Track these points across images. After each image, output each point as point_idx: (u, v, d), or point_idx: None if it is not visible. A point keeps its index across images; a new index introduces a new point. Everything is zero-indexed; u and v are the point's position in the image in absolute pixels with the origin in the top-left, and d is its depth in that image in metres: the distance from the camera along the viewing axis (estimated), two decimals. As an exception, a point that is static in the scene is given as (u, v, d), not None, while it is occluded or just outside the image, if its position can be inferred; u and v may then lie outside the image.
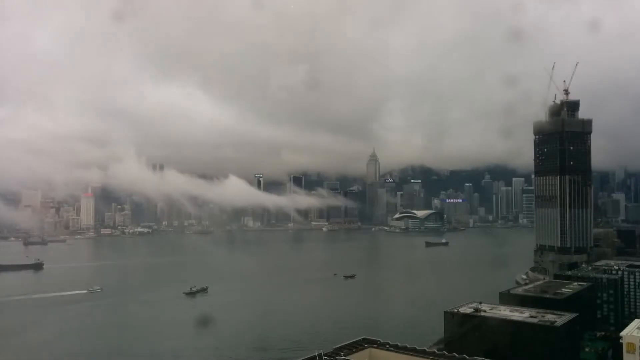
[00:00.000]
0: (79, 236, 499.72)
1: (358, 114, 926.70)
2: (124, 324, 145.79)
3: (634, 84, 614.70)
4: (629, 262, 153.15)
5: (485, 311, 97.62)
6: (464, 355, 71.72)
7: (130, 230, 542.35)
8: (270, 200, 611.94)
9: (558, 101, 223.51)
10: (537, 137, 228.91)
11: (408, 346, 77.01)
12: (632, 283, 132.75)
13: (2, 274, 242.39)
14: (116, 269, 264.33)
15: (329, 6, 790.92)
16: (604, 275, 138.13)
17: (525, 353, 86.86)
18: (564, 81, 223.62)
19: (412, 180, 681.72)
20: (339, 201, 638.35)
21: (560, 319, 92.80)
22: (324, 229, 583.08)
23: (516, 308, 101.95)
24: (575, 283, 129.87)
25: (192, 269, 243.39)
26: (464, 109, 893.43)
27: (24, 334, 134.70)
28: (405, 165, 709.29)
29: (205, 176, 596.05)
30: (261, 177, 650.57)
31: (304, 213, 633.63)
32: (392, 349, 76.64)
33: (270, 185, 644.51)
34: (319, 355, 69.56)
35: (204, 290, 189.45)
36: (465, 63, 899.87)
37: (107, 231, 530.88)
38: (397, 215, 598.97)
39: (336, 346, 75.59)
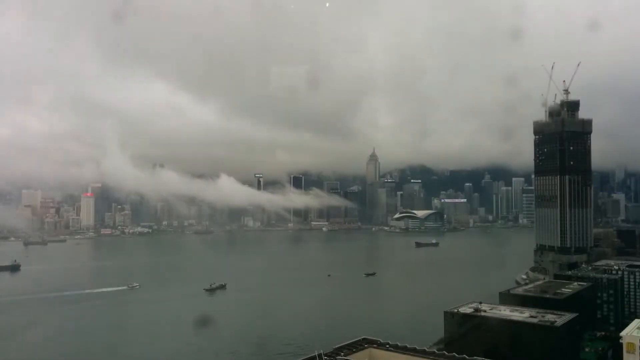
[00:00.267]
0: (79, 236, 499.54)
1: (347, 113, 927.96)
2: (177, 315, 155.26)
3: (634, 84, 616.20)
4: (629, 262, 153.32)
5: (485, 311, 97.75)
6: (464, 355, 71.74)
7: (130, 230, 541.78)
8: (269, 199, 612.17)
9: (558, 101, 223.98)
10: (537, 137, 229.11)
11: (408, 346, 77.04)
12: (632, 283, 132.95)
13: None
14: (127, 269, 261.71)
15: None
16: (604, 275, 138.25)
17: (525, 353, 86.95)
18: (564, 81, 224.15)
19: (412, 180, 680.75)
20: (338, 201, 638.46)
21: (560, 319, 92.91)
22: (324, 229, 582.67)
23: (516, 308, 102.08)
24: (575, 283, 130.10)
25: (201, 268, 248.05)
26: (464, 110, 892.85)
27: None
28: (405, 165, 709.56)
29: (199, 175, 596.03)
30: (261, 177, 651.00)
31: (304, 213, 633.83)
32: (392, 349, 76.67)
33: (270, 185, 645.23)
34: (319, 355, 69.59)
35: (222, 287, 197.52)
36: (463, 63, 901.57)
37: (107, 231, 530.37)
38: (397, 215, 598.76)
39: (336, 346, 75.60)
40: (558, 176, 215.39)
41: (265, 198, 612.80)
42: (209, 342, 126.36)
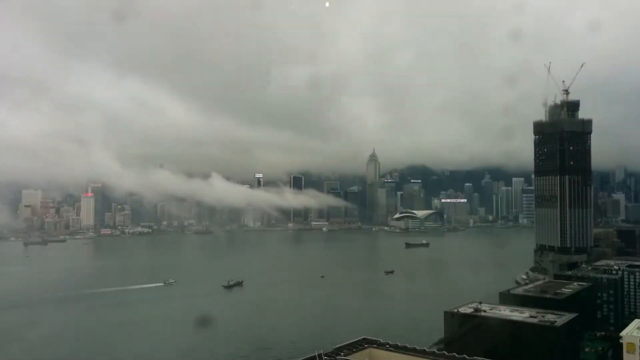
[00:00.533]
0: (79, 236, 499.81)
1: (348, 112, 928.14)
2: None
3: (634, 84, 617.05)
4: (629, 262, 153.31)
5: (485, 311, 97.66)
6: (464, 355, 71.65)
7: (130, 230, 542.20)
8: (263, 199, 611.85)
9: (558, 101, 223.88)
10: (537, 137, 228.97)
11: (408, 346, 76.96)
12: (632, 283, 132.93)
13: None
14: (148, 268, 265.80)
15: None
16: (604, 275, 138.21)
17: (525, 353, 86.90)
18: (563, 81, 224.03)
19: (412, 180, 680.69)
20: (335, 201, 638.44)
21: (560, 319, 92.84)
22: (324, 229, 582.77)
23: (516, 308, 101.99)
24: (575, 283, 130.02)
25: (214, 267, 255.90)
26: (463, 110, 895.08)
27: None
28: (405, 165, 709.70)
29: (190, 175, 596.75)
30: (261, 177, 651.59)
31: (304, 213, 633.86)
32: (392, 349, 76.61)
33: (268, 185, 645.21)
34: (319, 355, 69.54)
35: (239, 284, 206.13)
36: (464, 62, 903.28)
37: (107, 231, 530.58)
38: (397, 215, 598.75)
39: (336, 346, 75.55)
40: (558, 176, 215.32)
41: (258, 197, 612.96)
42: (258, 325, 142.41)
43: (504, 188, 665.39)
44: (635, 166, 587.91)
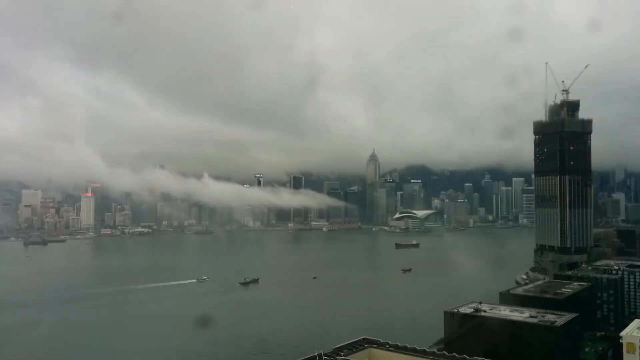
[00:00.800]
0: (79, 236, 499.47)
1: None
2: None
3: (633, 84, 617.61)
4: (629, 262, 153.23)
5: (485, 311, 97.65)
6: (464, 355, 71.62)
7: (130, 230, 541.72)
8: (257, 198, 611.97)
9: (558, 101, 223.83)
10: (537, 137, 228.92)
11: (408, 346, 76.94)
12: (632, 283, 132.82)
13: None
14: (169, 266, 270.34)
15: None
16: (604, 275, 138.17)
17: (525, 353, 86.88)
18: (563, 81, 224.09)
19: (412, 180, 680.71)
20: (333, 201, 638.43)
21: (560, 319, 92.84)
22: (324, 229, 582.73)
23: (516, 308, 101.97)
24: (575, 283, 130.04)
25: (225, 266, 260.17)
26: (464, 110, 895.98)
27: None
28: (405, 165, 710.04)
29: (183, 174, 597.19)
30: (261, 176, 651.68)
31: (304, 213, 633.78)
32: (392, 349, 76.60)
33: (270, 185, 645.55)
34: (319, 355, 69.53)
35: (255, 281, 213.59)
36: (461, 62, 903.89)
37: (107, 231, 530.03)
38: (397, 215, 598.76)
39: (336, 346, 75.52)
40: (558, 176, 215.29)
41: (256, 196, 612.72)
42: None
43: (504, 188, 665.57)
44: (635, 166, 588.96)
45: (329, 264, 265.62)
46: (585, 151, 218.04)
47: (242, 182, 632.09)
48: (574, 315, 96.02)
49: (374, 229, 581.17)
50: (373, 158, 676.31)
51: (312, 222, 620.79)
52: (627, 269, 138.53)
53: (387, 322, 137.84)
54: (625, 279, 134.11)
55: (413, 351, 75.51)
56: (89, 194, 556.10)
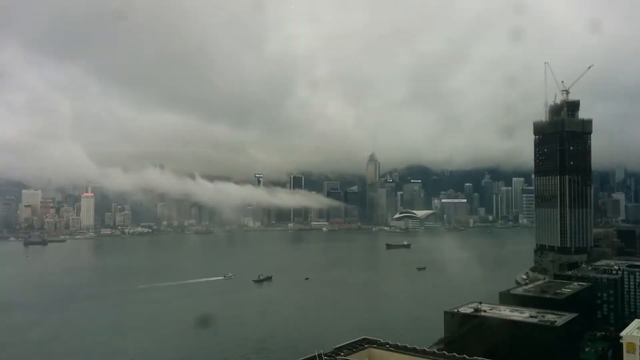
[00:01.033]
0: (79, 236, 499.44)
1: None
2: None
3: (633, 84, 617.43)
4: (629, 262, 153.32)
5: (485, 311, 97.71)
6: (464, 355, 71.64)
7: (130, 230, 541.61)
8: (266, 199, 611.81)
9: (558, 101, 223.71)
10: (537, 137, 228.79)
11: (408, 346, 76.97)
12: (632, 283, 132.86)
13: None
14: (188, 264, 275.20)
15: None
16: (604, 275, 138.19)
17: (525, 353, 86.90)
18: (562, 81, 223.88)
19: (412, 180, 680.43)
20: (331, 201, 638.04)
21: (560, 319, 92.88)
22: (324, 229, 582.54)
23: (516, 308, 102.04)
24: (575, 283, 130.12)
25: (238, 264, 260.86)
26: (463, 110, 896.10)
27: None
28: (405, 165, 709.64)
29: (177, 174, 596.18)
30: (261, 176, 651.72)
31: (304, 213, 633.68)
32: (392, 349, 76.61)
33: (270, 185, 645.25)
34: (319, 355, 69.53)
35: (269, 278, 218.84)
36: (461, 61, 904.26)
37: (107, 231, 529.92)
38: (397, 216, 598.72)
39: (336, 346, 75.53)
40: (558, 176, 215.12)
41: (257, 196, 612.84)
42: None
43: (504, 188, 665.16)
44: (635, 166, 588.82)
45: (333, 264, 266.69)
46: (585, 151, 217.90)
47: (242, 182, 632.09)
48: (574, 315, 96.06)
49: (374, 229, 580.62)
50: (373, 158, 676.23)
51: (312, 222, 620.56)
52: (627, 269, 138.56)
53: (387, 322, 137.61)
54: (625, 279, 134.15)
55: (413, 351, 75.53)
56: (89, 194, 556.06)
